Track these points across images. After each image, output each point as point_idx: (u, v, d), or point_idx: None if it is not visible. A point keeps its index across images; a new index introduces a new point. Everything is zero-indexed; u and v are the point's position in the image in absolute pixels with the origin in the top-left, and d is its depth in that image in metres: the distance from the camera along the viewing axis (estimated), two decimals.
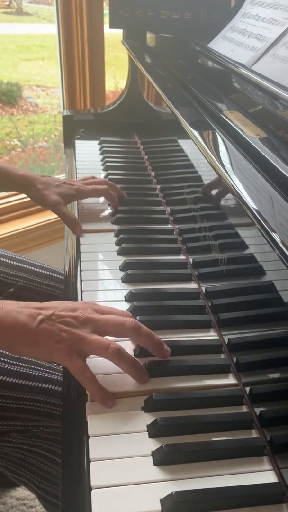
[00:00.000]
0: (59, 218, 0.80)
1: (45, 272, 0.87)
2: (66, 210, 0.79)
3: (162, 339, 0.56)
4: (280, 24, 0.71)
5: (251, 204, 0.46)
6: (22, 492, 1.06)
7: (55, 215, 0.80)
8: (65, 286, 0.69)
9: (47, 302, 0.52)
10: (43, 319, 0.48)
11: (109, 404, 0.48)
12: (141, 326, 0.51)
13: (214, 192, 0.65)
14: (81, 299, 0.63)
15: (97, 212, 0.86)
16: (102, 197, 0.87)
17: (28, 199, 1.68)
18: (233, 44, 0.79)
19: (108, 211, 0.86)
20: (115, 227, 0.80)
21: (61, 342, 0.47)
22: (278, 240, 0.40)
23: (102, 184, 0.85)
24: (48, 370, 0.66)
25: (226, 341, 0.57)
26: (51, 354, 0.48)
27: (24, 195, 1.67)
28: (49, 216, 1.62)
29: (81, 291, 0.65)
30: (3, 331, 0.47)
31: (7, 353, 0.66)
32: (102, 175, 0.99)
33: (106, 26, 1.51)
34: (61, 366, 0.67)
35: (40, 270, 0.87)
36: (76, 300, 0.64)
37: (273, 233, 0.41)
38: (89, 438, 0.45)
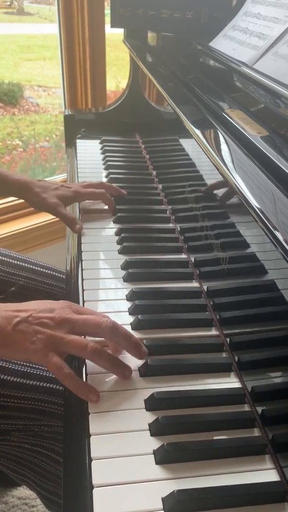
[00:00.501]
0: (58, 219, 0.80)
1: (46, 271, 0.87)
2: (66, 212, 0.79)
3: (164, 338, 0.56)
4: (282, 22, 0.71)
5: (254, 202, 0.46)
6: (23, 491, 1.06)
7: (53, 216, 0.80)
8: (67, 285, 0.69)
9: (26, 302, 0.52)
10: (19, 321, 0.49)
11: (92, 398, 0.48)
12: (118, 327, 0.51)
13: (215, 191, 0.65)
14: (83, 298, 0.63)
15: (98, 211, 0.86)
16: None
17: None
18: (234, 43, 0.79)
19: (110, 220, 0.85)
20: (117, 226, 0.80)
21: (36, 342, 0.48)
22: (280, 238, 0.40)
23: (99, 187, 0.85)
24: None
25: (228, 339, 0.57)
26: (28, 355, 0.49)
27: None
28: (50, 216, 1.62)
29: (83, 290, 0.65)
30: None
31: None
32: (103, 174, 0.99)
33: (107, 26, 1.51)
34: None
35: (42, 269, 0.87)
36: (78, 299, 0.64)
37: (276, 231, 0.41)
38: (91, 437, 0.45)
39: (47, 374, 0.65)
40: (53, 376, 0.65)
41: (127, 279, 0.67)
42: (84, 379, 0.51)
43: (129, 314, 0.61)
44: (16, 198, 1.61)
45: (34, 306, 0.51)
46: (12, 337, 0.48)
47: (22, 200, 1.69)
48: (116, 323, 0.52)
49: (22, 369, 0.64)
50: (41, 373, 0.65)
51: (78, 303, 0.63)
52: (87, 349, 0.48)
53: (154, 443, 0.45)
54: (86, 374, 0.52)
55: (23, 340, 0.48)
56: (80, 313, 0.52)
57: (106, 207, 0.86)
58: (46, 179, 1.64)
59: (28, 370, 0.65)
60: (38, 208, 0.82)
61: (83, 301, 0.63)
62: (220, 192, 0.64)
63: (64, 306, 0.52)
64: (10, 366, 0.64)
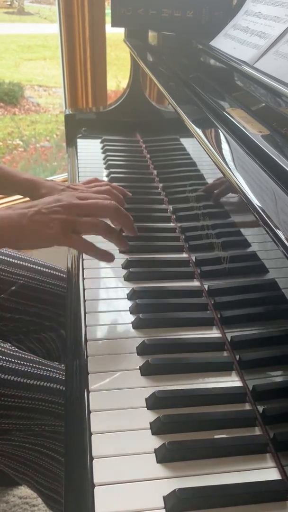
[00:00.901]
0: None
1: (47, 270, 0.87)
2: None
3: (165, 337, 0.56)
4: (283, 21, 0.71)
5: (255, 201, 0.45)
6: (24, 490, 1.06)
7: None
8: (68, 284, 0.69)
9: (35, 200, 0.59)
10: (32, 214, 0.55)
11: (110, 258, 0.58)
12: (119, 207, 0.58)
13: (216, 190, 0.65)
14: (84, 298, 0.63)
15: None
16: None
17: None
18: (235, 42, 0.79)
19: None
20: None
21: (54, 228, 0.54)
22: (282, 237, 0.40)
23: (105, 186, 0.85)
24: (50, 369, 0.66)
25: (229, 338, 0.57)
26: (48, 240, 0.55)
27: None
28: None
29: (84, 289, 0.65)
30: (2, 232, 0.54)
31: (9, 352, 0.66)
32: (104, 173, 0.99)
33: (108, 25, 1.51)
34: (63, 365, 0.67)
35: (42, 269, 0.87)
36: (79, 298, 0.64)
37: (277, 230, 0.41)
38: (92, 436, 0.45)
39: (48, 374, 0.65)
40: (54, 375, 0.66)
41: (128, 278, 0.67)
42: (85, 378, 0.51)
43: (130, 313, 0.61)
44: (16, 197, 1.62)
45: (42, 200, 0.57)
46: (30, 228, 0.54)
47: (22, 199, 1.69)
48: (118, 205, 0.58)
49: (23, 369, 0.64)
50: (42, 373, 0.65)
51: (79, 302, 0.63)
52: (99, 226, 0.56)
53: (155, 442, 0.45)
54: (87, 373, 0.52)
55: (42, 228, 0.54)
56: (85, 198, 0.58)
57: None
58: (48, 178, 1.64)
59: (29, 370, 0.65)
60: None
61: (84, 300, 0.63)
62: (221, 191, 0.64)
63: (69, 194, 0.58)
64: (10, 366, 0.64)
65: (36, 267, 0.87)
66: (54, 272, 0.87)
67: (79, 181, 0.94)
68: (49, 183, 0.81)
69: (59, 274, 0.88)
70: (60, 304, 0.83)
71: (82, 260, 0.71)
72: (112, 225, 0.60)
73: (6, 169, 0.82)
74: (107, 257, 0.58)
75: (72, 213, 0.55)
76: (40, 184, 0.79)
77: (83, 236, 0.57)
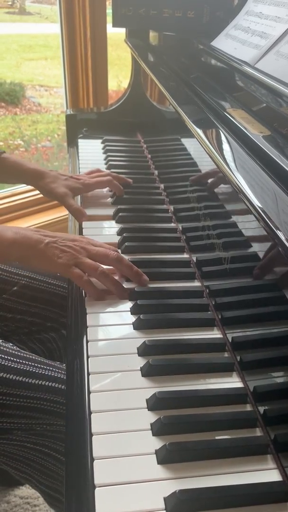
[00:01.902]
0: (62, 218, 0.81)
1: None
2: (73, 202, 0.84)
3: (166, 337, 0.56)
4: (284, 21, 0.71)
5: (256, 202, 0.45)
6: (26, 491, 1.06)
7: (58, 215, 0.81)
8: (69, 285, 0.69)
9: (54, 232, 0.67)
10: (49, 242, 0.63)
11: (103, 298, 0.63)
12: (122, 258, 0.65)
13: (217, 190, 0.65)
14: (85, 298, 0.63)
15: (100, 209, 0.86)
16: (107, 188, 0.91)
17: (31, 198, 1.69)
18: (236, 42, 0.79)
19: (111, 210, 0.86)
20: (118, 225, 0.80)
21: (62, 258, 0.62)
22: (282, 238, 0.40)
23: (106, 175, 0.90)
24: (51, 368, 0.66)
25: (230, 339, 0.56)
26: (54, 267, 0.62)
27: (27, 195, 1.68)
28: (53, 215, 1.62)
29: (94, 298, 0.64)
30: (20, 248, 0.63)
31: (10, 351, 0.66)
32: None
33: (109, 25, 1.51)
34: (64, 365, 0.67)
35: None
36: (80, 299, 0.64)
37: (278, 231, 0.41)
38: (93, 437, 0.45)
39: (49, 373, 0.65)
40: (55, 375, 0.66)
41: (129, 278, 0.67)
42: (86, 379, 0.51)
43: (131, 314, 0.61)
44: (17, 198, 1.62)
45: (60, 235, 0.66)
46: (44, 252, 0.62)
47: (23, 200, 1.69)
48: (121, 256, 0.65)
49: (24, 368, 0.64)
50: (43, 372, 0.65)
51: (81, 302, 0.63)
52: (97, 270, 0.62)
53: (156, 443, 0.45)
54: (88, 374, 0.52)
55: (53, 256, 0.62)
56: (94, 246, 0.66)
57: (110, 206, 0.86)
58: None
59: (30, 369, 0.65)
60: (48, 196, 0.87)
61: (85, 301, 0.63)
62: (222, 191, 0.64)
63: (83, 239, 0.67)
64: (11, 365, 0.64)
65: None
66: (60, 275, 0.87)
67: (84, 172, 0.94)
68: (53, 173, 0.88)
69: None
70: (61, 304, 0.84)
71: None
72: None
73: (13, 159, 0.88)
74: (100, 295, 0.63)
75: (81, 254, 0.63)
76: (45, 174, 0.86)
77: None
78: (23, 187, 1.61)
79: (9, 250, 0.63)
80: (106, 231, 0.81)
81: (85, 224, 0.81)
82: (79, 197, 0.90)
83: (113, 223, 0.82)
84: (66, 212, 0.86)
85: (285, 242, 0.39)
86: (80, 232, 0.79)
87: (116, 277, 0.65)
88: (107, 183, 0.88)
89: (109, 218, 0.83)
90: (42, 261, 0.63)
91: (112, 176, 0.90)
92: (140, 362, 0.53)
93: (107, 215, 0.84)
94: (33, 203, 1.62)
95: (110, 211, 0.85)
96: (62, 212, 1.60)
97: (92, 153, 1.09)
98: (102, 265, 0.63)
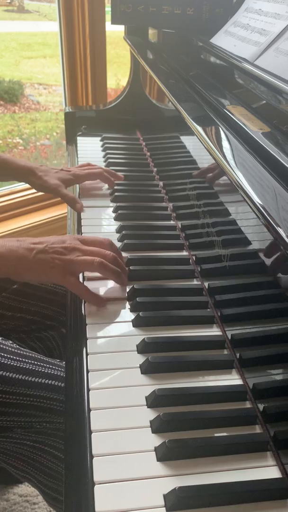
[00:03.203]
0: (61, 216, 0.81)
1: None
2: (67, 192, 0.85)
3: (165, 335, 0.56)
4: (283, 18, 0.71)
5: (255, 199, 0.45)
6: (25, 488, 1.06)
7: (56, 213, 0.82)
8: None
9: (39, 238, 0.63)
10: (38, 251, 0.59)
11: (102, 304, 0.60)
12: (117, 257, 0.62)
13: (217, 187, 0.65)
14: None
15: (99, 208, 0.86)
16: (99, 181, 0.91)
17: (30, 196, 1.68)
18: (236, 39, 0.79)
19: (110, 208, 0.85)
20: (118, 223, 0.80)
21: (55, 267, 0.58)
22: (283, 234, 0.40)
23: (97, 169, 0.92)
24: (51, 366, 0.66)
25: (229, 336, 0.56)
26: (48, 277, 0.60)
27: (25, 193, 1.67)
28: (51, 214, 1.62)
29: (91, 304, 0.64)
30: (8, 263, 0.59)
31: (10, 349, 0.66)
32: None
33: (108, 23, 1.50)
34: (63, 362, 0.67)
35: None
36: (80, 300, 0.64)
37: (278, 228, 0.41)
38: (92, 434, 0.45)
39: (49, 371, 0.65)
40: (55, 373, 0.65)
41: (128, 276, 0.67)
42: (85, 376, 0.51)
43: (130, 311, 0.61)
44: (17, 196, 1.62)
45: (47, 239, 0.62)
46: (34, 264, 0.58)
47: (23, 198, 1.69)
48: (115, 255, 0.62)
49: (23, 366, 0.64)
50: (42, 370, 0.65)
51: (80, 300, 0.63)
52: (94, 263, 0.59)
53: (156, 440, 0.45)
54: (88, 371, 0.52)
55: (44, 266, 0.58)
56: (86, 243, 0.63)
57: (109, 206, 0.86)
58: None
59: (29, 367, 0.65)
60: (41, 190, 0.88)
61: (84, 301, 0.63)
62: (221, 188, 0.63)
63: (73, 238, 0.63)
64: (11, 363, 0.64)
65: None
66: (56, 284, 0.87)
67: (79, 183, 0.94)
68: (44, 167, 0.89)
69: None
70: (61, 303, 0.83)
71: None
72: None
73: (5, 157, 0.89)
74: (99, 301, 0.61)
75: (74, 254, 0.60)
76: (36, 169, 0.87)
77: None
78: (21, 185, 1.60)
79: None
80: (105, 229, 0.81)
81: (84, 222, 0.81)
82: (77, 191, 0.90)
83: (112, 220, 0.82)
84: (65, 210, 0.86)
85: (285, 238, 0.39)
86: (79, 230, 0.79)
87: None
88: (98, 175, 0.90)
89: (106, 207, 0.84)
90: (35, 273, 0.60)
91: (103, 169, 0.91)
92: (140, 359, 0.53)
93: (105, 205, 0.85)
94: (32, 201, 1.62)
95: (108, 202, 0.85)
96: (60, 210, 1.60)
97: (91, 151, 1.09)
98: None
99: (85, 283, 0.63)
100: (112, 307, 0.62)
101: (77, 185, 0.93)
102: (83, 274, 0.66)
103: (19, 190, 1.63)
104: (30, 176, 0.87)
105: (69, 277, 0.59)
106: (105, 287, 0.64)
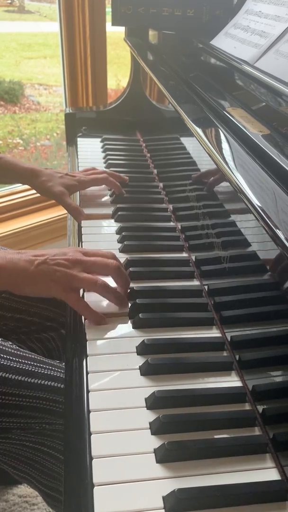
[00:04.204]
0: (61, 216, 0.81)
1: None
2: (70, 201, 0.83)
3: (165, 337, 0.56)
4: (284, 20, 0.71)
5: (255, 201, 0.45)
6: (24, 489, 1.06)
7: (57, 214, 0.81)
8: None
9: (41, 250, 0.61)
10: (39, 263, 0.57)
11: (102, 323, 0.58)
12: (121, 268, 0.61)
13: (216, 189, 0.65)
14: (84, 298, 0.63)
15: (99, 209, 0.86)
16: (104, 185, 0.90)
17: (30, 197, 1.68)
18: (236, 41, 0.79)
19: (110, 209, 0.85)
20: (117, 224, 0.80)
21: (56, 280, 0.56)
22: (282, 237, 0.40)
23: (102, 173, 0.89)
24: (50, 367, 0.66)
25: (229, 338, 0.56)
26: (49, 291, 0.57)
27: (26, 193, 1.67)
28: (52, 214, 1.62)
29: (84, 289, 0.65)
30: (9, 275, 0.56)
31: (10, 350, 0.66)
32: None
33: (108, 24, 1.51)
34: (63, 364, 0.67)
35: None
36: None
37: (277, 230, 0.41)
38: (91, 435, 0.45)
39: (48, 372, 0.65)
40: (54, 374, 0.66)
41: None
42: (85, 378, 0.51)
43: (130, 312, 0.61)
44: (17, 196, 1.62)
45: (49, 251, 0.60)
46: (35, 276, 0.56)
47: (23, 198, 1.69)
48: (120, 265, 0.61)
49: (23, 367, 0.64)
50: (41, 371, 0.65)
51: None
52: (97, 284, 0.58)
53: (155, 442, 0.45)
54: (87, 373, 0.52)
55: (45, 279, 0.56)
56: (88, 255, 0.60)
57: (109, 205, 0.86)
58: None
59: (29, 368, 0.65)
60: (44, 195, 0.86)
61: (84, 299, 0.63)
62: (221, 190, 0.64)
63: (74, 250, 0.61)
64: (10, 364, 0.64)
65: None
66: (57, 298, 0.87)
67: (80, 169, 0.94)
68: (48, 171, 0.87)
69: None
70: (61, 304, 0.83)
71: None
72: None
73: (8, 158, 0.87)
74: (99, 320, 0.58)
75: (75, 268, 0.58)
76: (40, 173, 0.85)
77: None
78: (21, 185, 1.61)
79: None
80: (105, 230, 0.81)
81: (84, 223, 0.81)
82: (77, 196, 0.90)
83: (112, 222, 0.82)
84: (65, 211, 0.86)
85: (284, 241, 0.39)
86: (79, 232, 0.79)
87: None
88: (103, 180, 0.88)
89: (108, 217, 0.83)
90: (35, 287, 0.57)
91: (108, 173, 0.89)
92: (139, 361, 0.53)
93: (106, 213, 0.84)
94: (32, 202, 1.62)
95: (109, 210, 0.85)
96: (61, 211, 1.60)
97: (91, 152, 1.09)
98: (101, 278, 0.59)
99: (85, 294, 0.62)
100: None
101: None
102: None
103: (19, 190, 1.63)
104: (34, 179, 0.85)
105: (70, 292, 0.57)
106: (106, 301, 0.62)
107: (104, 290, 0.58)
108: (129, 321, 0.59)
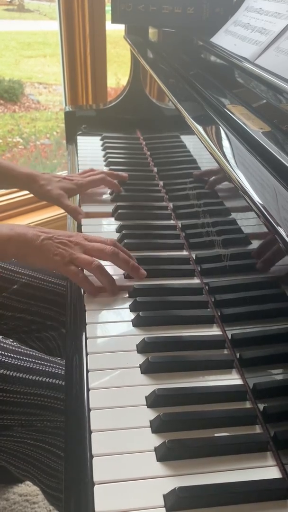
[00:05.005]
0: (61, 215, 0.81)
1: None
2: (69, 202, 0.84)
3: (165, 335, 0.56)
4: (284, 17, 0.70)
5: (256, 198, 0.45)
6: (25, 488, 1.06)
7: (56, 212, 0.81)
8: (68, 282, 0.68)
9: (46, 229, 0.66)
10: (45, 238, 0.63)
11: (98, 295, 0.62)
12: (119, 252, 0.64)
13: (217, 187, 0.65)
14: (83, 295, 0.63)
15: (99, 208, 0.86)
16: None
17: (29, 196, 1.68)
18: (236, 38, 0.79)
19: (110, 207, 0.85)
20: (117, 223, 0.80)
21: (58, 255, 0.62)
22: (283, 234, 0.40)
23: (99, 173, 0.90)
24: (51, 365, 0.66)
25: (229, 336, 0.56)
26: (50, 263, 0.62)
27: (25, 193, 1.67)
28: (51, 213, 1.62)
29: (90, 294, 0.64)
30: (16, 244, 0.63)
31: (10, 347, 0.66)
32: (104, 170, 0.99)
33: (108, 22, 1.50)
34: (63, 361, 0.67)
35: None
36: (79, 296, 0.64)
37: (278, 227, 0.41)
38: (92, 434, 0.45)
39: (49, 369, 0.65)
40: (55, 371, 0.65)
41: (128, 275, 0.67)
42: (85, 376, 0.51)
43: (130, 311, 0.61)
44: (16, 195, 1.62)
45: (55, 231, 0.65)
46: (40, 249, 0.62)
47: (22, 198, 1.69)
48: (117, 250, 0.64)
49: (23, 364, 0.64)
50: (42, 368, 0.65)
51: (80, 300, 0.63)
52: (92, 265, 0.62)
53: (156, 440, 0.45)
54: (87, 371, 0.52)
55: (48, 252, 0.62)
56: (90, 241, 0.65)
57: (109, 204, 0.86)
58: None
59: (30, 365, 0.65)
60: (43, 199, 0.88)
61: (84, 298, 0.63)
62: (221, 188, 0.63)
63: (78, 234, 0.66)
64: (11, 361, 0.64)
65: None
66: (56, 271, 0.87)
67: (78, 172, 0.94)
68: (46, 175, 0.88)
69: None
70: (61, 303, 0.83)
71: None
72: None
73: (5, 163, 0.87)
74: (96, 292, 0.63)
75: (76, 249, 0.63)
76: (38, 177, 0.86)
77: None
78: None
79: (5, 247, 0.63)
80: (105, 228, 0.81)
81: (84, 221, 0.81)
82: (77, 199, 0.90)
83: (112, 220, 0.82)
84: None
85: (286, 238, 0.39)
86: (79, 230, 0.79)
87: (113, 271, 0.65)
88: (100, 181, 0.88)
89: (108, 215, 0.83)
90: (38, 258, 0.63)
91: (106, 173, 0.90)
92: (139, 359, 0.53)
93: (106, 212, 0.84)
94: (31, 201, 1.62)
95: (109, 208, 0.85)
96: (60, 210, 1.60)
97: (91, 150, 1.09)
98: (98, 260, 0.63)
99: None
100: (113, 307, 0.61)
101: None
102: None
103: (19, 189, 1.63)
104: (32, 183, 0.86)
105: (69, 265, 0.62)
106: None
107: (98, 271, 0.62)
108: (130, 322, 0.59)
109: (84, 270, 0.65)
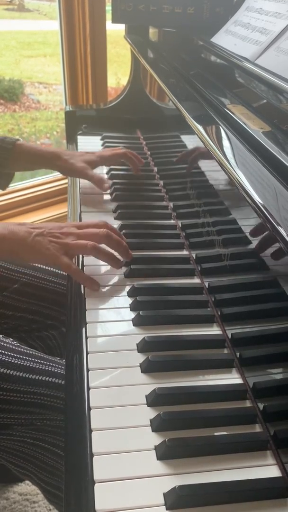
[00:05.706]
0: (61, 215, 0.81)
1: (50, 268, 0.87)
2: (93, 173, 0.88)
3: (165, 334, 0.56)
4: (284, 17, 0.71)
5: (256, 198, 0.45)
6: (25, 487, 1.06)
7: (57, 212, 0.82)
8: (68, 282, 0.69)
9: (38, 223, 0.67)
10: (36, 235, 0.64)
11: (95, 287, 0.63)
12: (112, 234, 0.65)
13: (217, 187, 0.65)
14: (84, 295, 0.63)
15: (99, 207, 0.86)
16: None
17: (30, 195, 1.68)
18: (236, 38, 0.79)
19: (110, 207, 0.85)
20: (118, 222, 0.80)
21: (50, 249, 0.63)
22: (284, 234, 0.40)
23: (122, 149, 0.94)
24: (51, 364, 0.66)
25: (229, 336, 0.56)
26: (44, 258, 0.63)
27: (25, 192, 1.67)
28: (52, 213, 1.62)
29: (84, 287, 0.65)
30: (10, 244, 0.63)
31: (11, 346, 0.66)
32: (104, 170, 0.99)
33: (108, 22, 1.50)
34: (63, 360, 0.67)
35: (44, 267, 0.87)
36: (79, 295, 0.64)
37: (279, 227, 0.41)
38: (92, 432, 0.45)
39: (49, 369, 0.65)
40: (55, 370, 0.66)
41: (128, 275, 0.67)
42: (86, 375, 0.51)
43: (130, 310, 0.61)
44: (16, 195, 1.62)
45: (45, 225, 0.66)
46: (32, 245, 0.63)
47: (23, 197, 1.69)
48: (110, 232, 0.65)
49: (23, 363, 0.64)
50: (43, 368, 0.65)
51: (80, 299, 0.63)
52: (87, 246, 0.63)
53: (156, 439, 0.45)
54: (88, 370, 0.52)
55: (41, 248, 0.63)
56: (82, 228, 0.66)
57: (110, 203, 0.86)
58: (46, 176, 1.64)
59: (30, 365, 0.65)
60: (68, 173, 0.91)
61: (84, 298, 0.63)
62: (221, 187, 0.63)
63: (69, 225, 0.67)
64: (11, 361, 0.64)
65: (39, 265, 0.87)
66: (56, 271, 0.87)
67: (78, 180, 0.94)
68: (68, 151, 0.95)
69: (61, 272, 0.88)
70: (62, 302, 0.83)
71: (83, 257, 0.71)
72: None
73: (29, 144, 0.92)
74: (93, 285, 0.64)
75: (69, 239, 0.64)
76: (62, 153, 0.91)
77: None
78: (20, 184, 1.60)
79: (0, 247, 0.64)
80: None
81: (84, 221, 0.81)
82: (78, 195, 0.90)
83: (112, 219, 0.82)
84: (65, 209, 0.86)
85: (286, 238, 0.39)
86: None
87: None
88: (123, 155, 0.92)
89: (108, 215, 0.83)
90: (32, 254, 0.64)
91: (127, 150, 0.93)
92: (140, 358, 0.53)
93: (107, 211, 0.84)
94: (32, 200, 1.62)
95: (110, 208, 0.85)
96: (61, 209, 1.60)
97: (91, 150, 1.09)
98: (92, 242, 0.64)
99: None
100: (113, 307, 0.62)
101: (78, 184, 0.93)
102: (82, 263, 0.68)
103: (19, 189, 1.63)
104: (56, 160, 0.88)
105: (63, 258, 0.62)
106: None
107: (95, 251, 0.63)
108: (130, 321, 0.59)
109: (85, 260, 0.68)
